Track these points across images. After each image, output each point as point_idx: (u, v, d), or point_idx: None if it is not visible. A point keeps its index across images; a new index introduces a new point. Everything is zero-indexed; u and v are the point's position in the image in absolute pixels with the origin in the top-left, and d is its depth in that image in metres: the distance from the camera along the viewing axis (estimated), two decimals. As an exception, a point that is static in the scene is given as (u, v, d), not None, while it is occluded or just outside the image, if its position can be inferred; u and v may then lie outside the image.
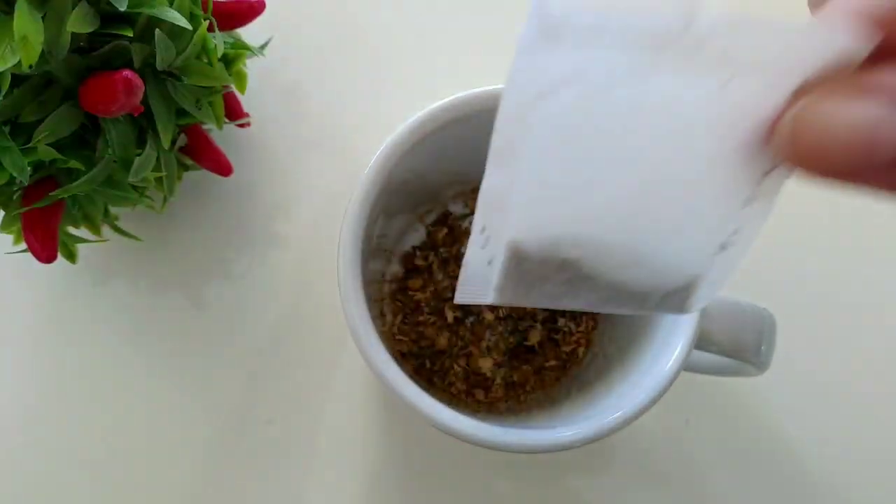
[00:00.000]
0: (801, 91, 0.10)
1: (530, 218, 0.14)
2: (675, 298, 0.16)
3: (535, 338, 0.26)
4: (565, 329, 0.26)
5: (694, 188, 0.14)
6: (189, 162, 0.26)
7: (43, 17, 0.18)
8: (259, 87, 0.30)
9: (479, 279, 0.15)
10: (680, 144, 0.13)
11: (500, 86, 0.20)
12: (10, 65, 0.18)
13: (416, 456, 0.27)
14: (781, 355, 0.22)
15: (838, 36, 0.11)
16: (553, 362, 0.26)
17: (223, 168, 0.26)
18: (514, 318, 0.27)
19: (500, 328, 0.26)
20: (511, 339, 0.26)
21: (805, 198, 0.30)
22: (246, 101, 0.28)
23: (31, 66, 0.18)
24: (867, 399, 0.28)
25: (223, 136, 0.29)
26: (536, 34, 0.12)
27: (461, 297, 0.16)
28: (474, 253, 0.15)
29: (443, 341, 0.26)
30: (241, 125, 0.28)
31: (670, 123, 0.13)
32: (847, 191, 0.10)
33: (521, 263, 0.15)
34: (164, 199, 0.26)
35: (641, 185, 0.14)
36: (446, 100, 0.20)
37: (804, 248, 0.30)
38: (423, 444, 0.27)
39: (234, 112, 0.27)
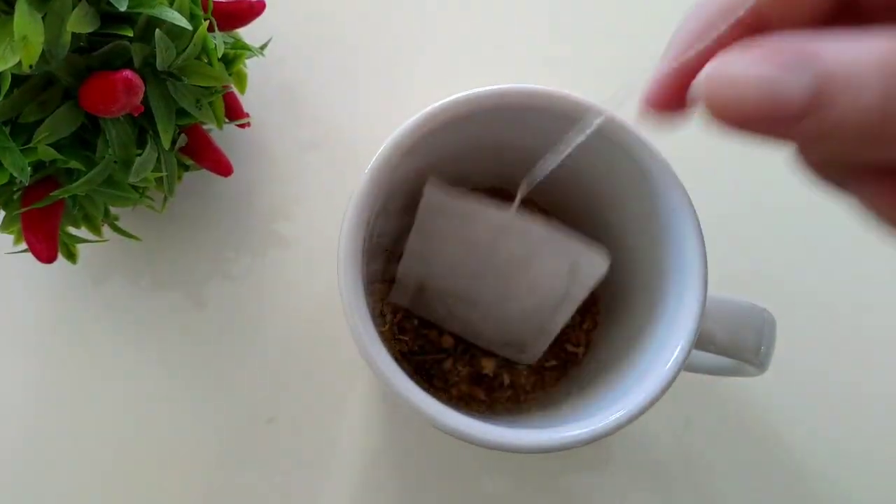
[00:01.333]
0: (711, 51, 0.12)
1: (429, 275, 0.24)
2: (511, 348, 0.25)
3: None
4: (566, 327, 0.26)
5: (521, 300, 0.24)
6: (189, 162, 0.26)
7: (43, 18, 0.18)
8: (259, 87, 0.30)
9: (402, 290, 0.25)
10: (513, 274, 0.23)
11: (498, 86, 0.20)
12: (10, 65, 0.18)
13: (416, 456, 0.27)
14: (781, 355, 0.22)
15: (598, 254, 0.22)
16: (553, 362, 0.26)
17: (223, 168, 0.26)
18: None
19: None
20: None
21: (804, 199, 0.30)
22: (246, 101, 0.28)
23: (31, 66, 0.18)
24: (867, 399, 0.28)
25: (223, 136, 0.29)
26: (432, 203, 0.22)
27: (392, 297, 0.26)
28: (400, 277, 0.25)
29: (449, 339, 0.26)
30: (241, 125, 0.28)
31: (509, 262, 0.23)
32: (758, 141, 0.11)
33: (423, 292, 0.25)
34: (165, 199, 0.26)
35: (493, 284, 0.24)
36: (446, 100, 0.20)
37: (804, 249, 0.30)
38: (423, 443, 0.27)
39: (234, 112, 0.27)
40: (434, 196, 0.22)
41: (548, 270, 0.22)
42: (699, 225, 0.20)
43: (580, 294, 0.23)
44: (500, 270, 0.23)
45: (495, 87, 0.20)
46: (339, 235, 0.19)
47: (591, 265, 0.22)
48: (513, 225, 0.22)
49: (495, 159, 0.24)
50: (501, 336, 0.25)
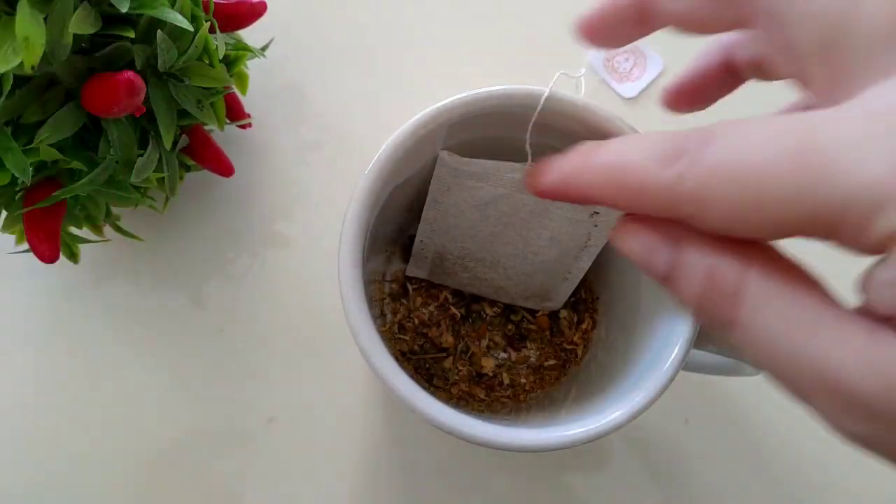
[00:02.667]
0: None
1: (448, 242, 0.25)
2: (536, 298, 0.26)
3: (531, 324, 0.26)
4: (566, 319, 0.26)
5: (542, 253, 0.24)
6: (190, 162, 0.26)
7: (45, 19, 0.18)
8: (260, 88, 0.30)
9: (419, 262, 0.26)
10: (534, 227, 0.23)
11: (499, 87, 0.20)
12: (12, 66, 0.18)
13: (416, 455, 0.27)
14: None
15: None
16: (552, 361, 0.26)
17: (224, 168, 0.27)
18: (511, 308, 0.27)
19: (498, 321, 0.27)
20: (510, 327, 0.27)
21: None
22: (247, 101, 0.28)
23: (33, 67, 0.18)
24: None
25: (224, 136, 0.29)
26: (446, 168, 0.22)
27: (409, 271, 0.26)
28: (417, 250, 0.25)
29: (449, 339, 0.26)
30: (243, 126, 0.28)
31: (530, 215, 0.23)
32: None
33: (442, 261, 0.25)
34: (166, 200, 0.26)
35: (513, 240, 0.24)
36: (446, 100, 0.20)
37: (802, 247, 0.30)
38: (423, 443, 0.27)
39: (235, 113, 0.27)
40: (448, 162, 0.22)
41: (568, 218, 0.22)
42: None
43: (601, 239, 0.23)
44: (521, 226, 0.23)
45: (495, 87, 0.20)
46: (339, 235, 0.19)
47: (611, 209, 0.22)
48: (516, 196, 0.22)
49: (495, 154, 0.24)
50: (525, 290, 0.25)
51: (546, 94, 0.20)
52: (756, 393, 0.28)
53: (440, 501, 0.26)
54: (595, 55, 0.31)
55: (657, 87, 0.31)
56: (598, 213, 0.23)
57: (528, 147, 0.21)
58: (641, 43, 0.31)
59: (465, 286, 0.26)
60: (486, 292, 0.26)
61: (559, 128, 0.22)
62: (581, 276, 0.25)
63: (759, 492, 0.27)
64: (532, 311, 0.27)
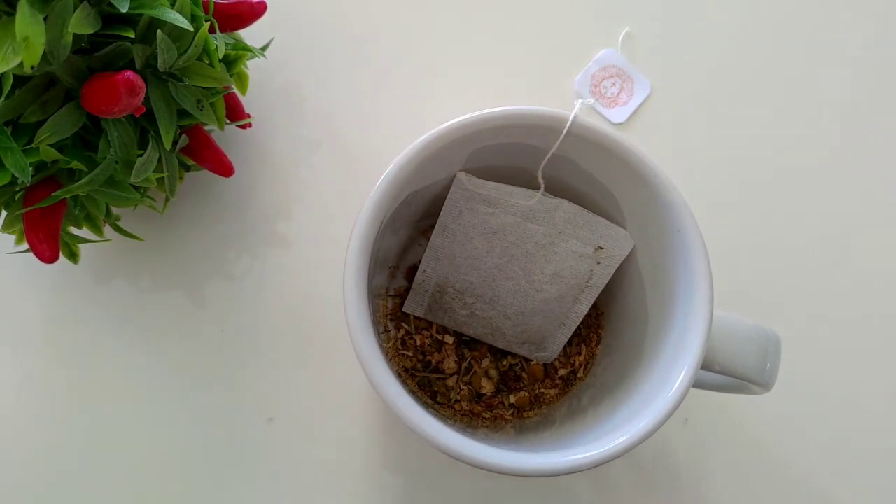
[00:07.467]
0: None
1: (451, 273, 0.24)
2: (531, 346, 0.25)
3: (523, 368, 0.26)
4: (570, 343, 0.26)
5: (544, 290, 0.24)
6: (190, 162, 0.26)
7: (45, 19, 0.18)
8: (260, 88, 0.30)
9: (419, 297, 0.25)
10: (538, 261, 0.23)
11: (502, 107, 0.20)
12: (12, 66, 0.18)
13: (416, 455, 0.27)
14: (782, 360, 0.22)
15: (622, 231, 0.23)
16: (551, 391, 0.26)
17: (224, 169, 0.26)
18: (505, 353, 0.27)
19: (490, 356, 0.26)
20: (504, 362, 0.26)
21: (808, 219, 0.30)
22: (247, 101, 0.28)
23: (32, 67, 0.18)
24: (866, 402, 0.28)
25: (224, 136, 0.29)
26: (461, 191, 0.23)
27: (406, 307, 0.26)
28: (418, 282, 0.25)
29: (451, 364, 0.26)
30: (243, 126, 0.28)
31: (536, 248, 0.23)
32: None
33: (442, 296, 0.25)
34: (166, 200, 0.26)
35: (515, 275, 0.24)
36: (453, 121, 0.20)
37: (807, 264, 0.29)
38: (423, 443, 0.27)
39: (235, 113, 0.27)
40: (464, 184, 0.22)
41: (573, 252, 0.22)
42: (704, 245, 0.19)
43: (602, 279, 0.23)
44: (525, 259, 0.23)
45: (498, 108, 0.20)
46: (345, 254, 0.19)
47: (616, 244, 0.22)
48: (540, 205, 0.22)
49: (500, 177, 0.24)
50: (521, 333, 0.25)
51: (572, 116, 0.20)
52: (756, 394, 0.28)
53: (439, 501, 0.26)
54: (582, 80, 0.31)
55: (646, 110, 0.31)
56: (602, 248, 0.22)
57: (540, 176, 0.20)
58: (628, 66, 0.31)
59: (461, 325, 0.25)
60: (481, 334, 0.25)
61: (576, 160, 0.21)
62: (577, 322, 0.24)
63: (759, 492, 0.27)
64: (526, 360, 0.26)
